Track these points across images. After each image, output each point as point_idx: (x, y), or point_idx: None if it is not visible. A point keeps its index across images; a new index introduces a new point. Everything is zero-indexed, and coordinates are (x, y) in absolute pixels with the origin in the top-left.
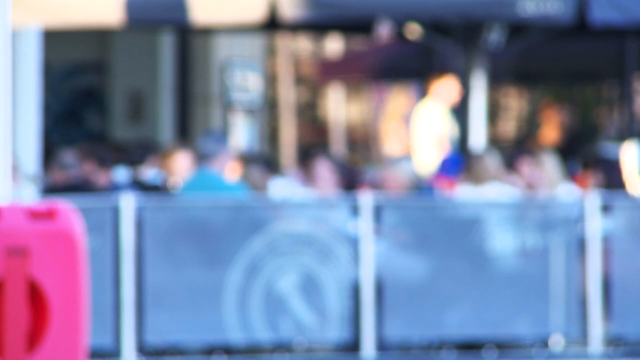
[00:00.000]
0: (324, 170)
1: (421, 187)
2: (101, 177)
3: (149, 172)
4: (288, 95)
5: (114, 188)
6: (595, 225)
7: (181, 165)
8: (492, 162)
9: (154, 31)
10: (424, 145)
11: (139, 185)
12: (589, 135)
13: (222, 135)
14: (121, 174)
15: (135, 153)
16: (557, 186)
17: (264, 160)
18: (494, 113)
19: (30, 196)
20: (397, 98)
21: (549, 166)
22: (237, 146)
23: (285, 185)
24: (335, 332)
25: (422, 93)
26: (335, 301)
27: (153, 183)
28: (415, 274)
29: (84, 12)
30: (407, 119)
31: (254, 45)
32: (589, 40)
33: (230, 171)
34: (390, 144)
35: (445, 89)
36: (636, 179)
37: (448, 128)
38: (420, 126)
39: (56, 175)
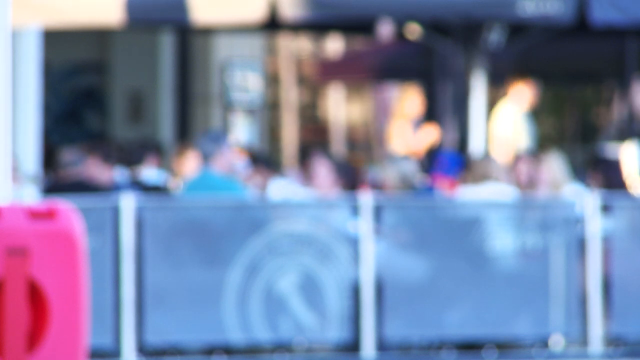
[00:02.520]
0: (322, 169)
1: (417, 187)
2: (104, 174)
3: (148, 172)
4: (288, 95)
5: (115, 188)
6: (595, 225)
7: (192, 166)
8: (493, 163)
9: (154, 31)
10: (496, 146)
11: (139, 186)
12: (588, 135)
13: (220, 134)
14: (120, 174)
15: (134, 153)
16: (562, 186)
17: (266, 159)
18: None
19: (30, 196)
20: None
21: (554, 166)
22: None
23: (285, 185)
24: (335, 332)
25: (424, 93)
26: (335, 301)
27: (152, 183)
28: (415, 274)
29: (84, 12)
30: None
31: (254, 45)
32: (589, 40)
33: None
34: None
35: (523, 92)
36: (636, 179)
37: (521, 132)
38: (495, 128)
39: (59, 174)
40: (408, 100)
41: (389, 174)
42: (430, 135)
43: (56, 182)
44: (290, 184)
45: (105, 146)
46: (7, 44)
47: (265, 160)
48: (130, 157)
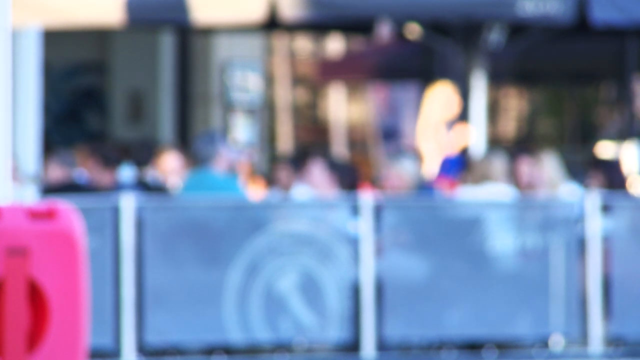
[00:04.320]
0: (317, 170)
1: (422, 187)
2: (105, 177)
3: (154, 173)
4: (288, 95)
5: (119, 188)
6: (595, 225)
7: (171, 165)
8: (493, 163)
9: (154, 31)
10: None
11: (143, 186)
12: (588, 135)
13: (216, 136)
14: (126, 173)
15: (141, 153)
16: (557, 186)
17: (292, 159)
18: (494, 113)
19: (30, 196)
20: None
21: (549, 166)
22: (237, 145)
23: (307, 191)
24: (335, 332)
25: (422, 93)
26: (335, 301)
27: (157, 184)
28: (415, 274)
29: (84, 12)
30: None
31: (254, 45)
32: (589, 40)
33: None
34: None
35: None
36: (636, 179)
37: None
38: None
39: (56, 172)
40: (442, 99)
41: (399, 172)
42: (465, 134)
43: (55, 183)
44: (310, 190)
45: (105, 149)
46: (7, 44)
47: (291, 159)
48: (138, 157)
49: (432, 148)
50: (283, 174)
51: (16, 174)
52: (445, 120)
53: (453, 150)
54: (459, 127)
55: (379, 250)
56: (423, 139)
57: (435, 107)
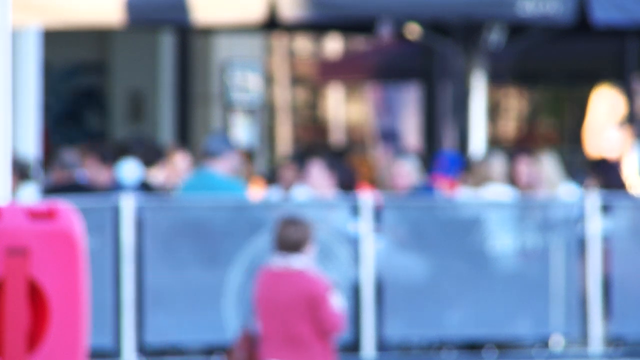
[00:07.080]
0: (316, 170)
1: (420, 186)
2: (102, 175)
3: (159, 175)
4: (287, 95)
5: (117, 188)
6: (595, 225)
7: (181, 166)
8: (495, 165)
9: (154, 31)
10: None
11: (145, 186)
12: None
13: (228, 137)
14: (129, 172)
15: (147, 154)
16: (557, 186)
17: (297, 161)
18: (494, 113)
19: (30, 196)
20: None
21: (548, 166)
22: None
23: (307, 192)
24: None
25: (422, 93)
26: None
27: (159, 185)
28: (415, 274)
29: (84, 12)
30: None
31: (254, 45)
32: (589, 40)
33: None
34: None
35: None
36: (636, 179)
37: None
38: None
39: (57, 174)
40: (608, 101)
41: (405, 170)
42: (632, 136)
43: (55, 183)
44: (312, 191)
45: (103, 146)
46: (7, 44)
47: (297, 159)
48: (143, 158)
49: (600, 151)
50: (288, 173)
51: (16, 174)
52: (613, 122)
53: (618, 153)
54: (626, 129)
55: (379, 251)
56: (591, 142)
57: (601, 109)
